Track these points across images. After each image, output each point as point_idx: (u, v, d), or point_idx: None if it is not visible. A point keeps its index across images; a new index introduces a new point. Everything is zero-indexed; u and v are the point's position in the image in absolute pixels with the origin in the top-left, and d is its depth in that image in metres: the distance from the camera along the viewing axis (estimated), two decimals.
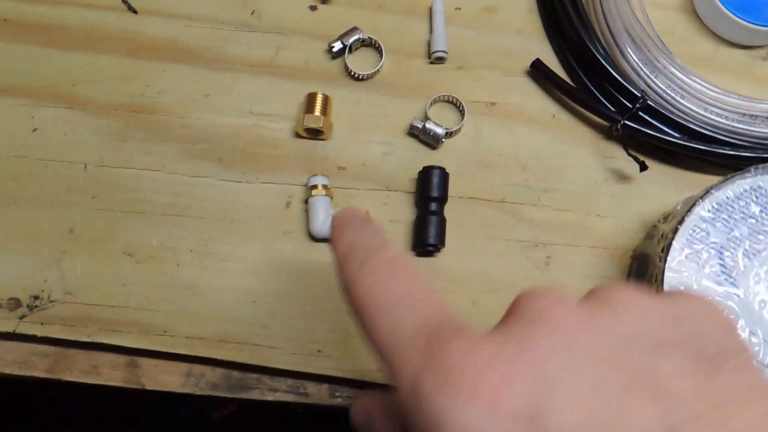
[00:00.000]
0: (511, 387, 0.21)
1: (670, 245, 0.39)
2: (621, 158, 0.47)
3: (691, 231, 0.39)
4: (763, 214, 0.39)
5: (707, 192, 0.39)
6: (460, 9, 0.49)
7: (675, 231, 0.39)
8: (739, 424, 0.22)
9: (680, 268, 0.39)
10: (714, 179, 0.42)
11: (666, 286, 0.38)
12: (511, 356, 0.22)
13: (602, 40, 0.47)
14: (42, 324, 0.43)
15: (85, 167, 0.46)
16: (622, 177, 0.47)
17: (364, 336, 0.26)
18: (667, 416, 0.22)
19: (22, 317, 0.43)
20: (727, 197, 0.39)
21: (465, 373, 0.22)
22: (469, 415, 0.21)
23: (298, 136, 0.46)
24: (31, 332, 0.43)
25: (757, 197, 0.39)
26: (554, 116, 0.47)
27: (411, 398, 0.23)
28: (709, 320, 0.25)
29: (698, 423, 0.22)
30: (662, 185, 0.47)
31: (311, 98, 0.46)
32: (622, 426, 0.21)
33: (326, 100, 0.46)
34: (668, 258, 0.39)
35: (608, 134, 0.47)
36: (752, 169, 0.39)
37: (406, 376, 0.23)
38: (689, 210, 0.39)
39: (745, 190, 0.39)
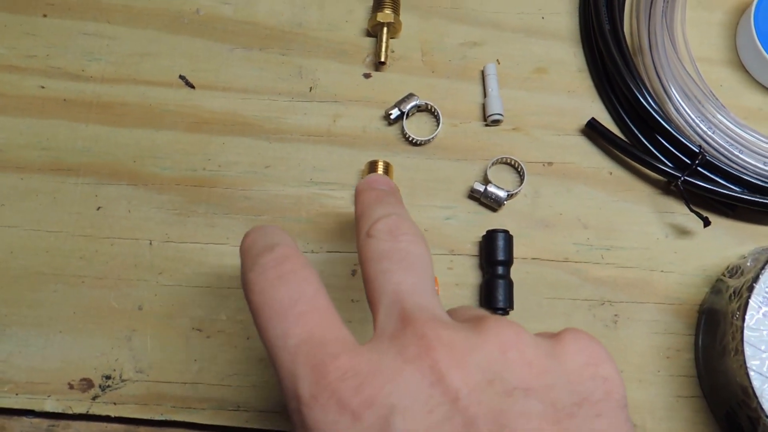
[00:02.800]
0: (370, 407, 0.25)
1: (747, 304, 0.39)
2: (680, 213, 0.47)
3: (767, 288, 0.39)
4: None
5: None
6: (511, 72, 0.50)
7: (750, 289, 0.39)
8: None
9: (759, 326, 0.39)
10: None
11: (746, 345, 0.38)
12: (376, 378, 0.26)
13: (655, 96, 0.47)
14: (115, 404, 0.43)
15: (151, 243, 0.46)
16: (683, 231, 0.47)
17: (259, 335, 0.29)
18: None
19: (94, 398, 0.43)
20: None
21: (338, 387, 0.25)
22: (337, 423, 0.25)
23: None
24: (104, 413, 0.43)
25: None
26: (611, 173, 0.48)
27: (292, 401, 0.27)
28: (583, 366, 0.27)
29: None
30: (723, 239, 0.47)
31: (372, 166, 0.46)
32: None
33: (387, 167, 0.46)
34: (746, 316, 0.39)
35: (665, 189, 0.48)
36: None
37: (289, 383, 0.27)
38: (763, 267, 0.39)
39: None
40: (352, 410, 0.25)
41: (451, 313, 0.31)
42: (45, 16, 0.50)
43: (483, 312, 0.30)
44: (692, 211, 0.45)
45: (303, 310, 0.28)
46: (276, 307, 0.28)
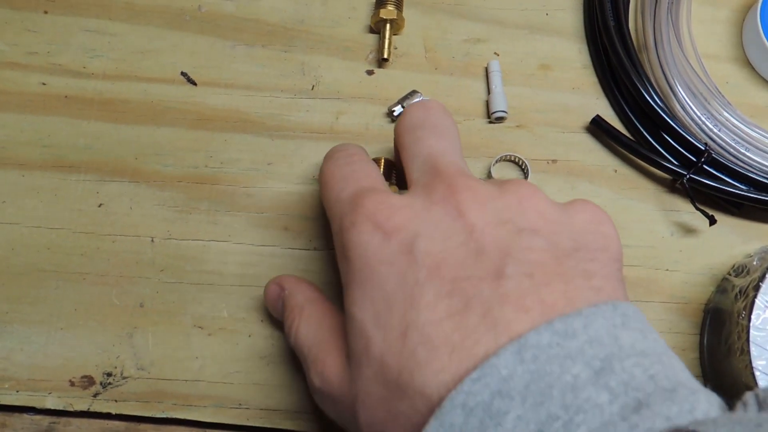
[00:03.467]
0: (401, 228, 0.30)
1: (753, 303, 0.39)
2: (685, 211, 0.47)
3: None
4: None
5: None
6: (515, 69, 0.49)
7: (757, 288, 0.39)
8: (563, 290, 0.28)
9: (765, 326, 0.38)
10: None
11: (752, 345, 0.38)
12: (406, 211, 0.31)
13: (660, 93, 0.47)
14: (116, 401, 0.43)
15: (152, 240, 0.46)
16: (688, 230, 0.47)
17: (324, 206, 0.36)
18: (506, 267, 0.28)
19: (95, 395, 0.43)
20: None
21: (373, 214, 0.31)
22: (371, 242, 0.30)
23: None
24: (105, 410, 0.43)
25: None
26: (616, 171, 0.48)
27: (338, 234, 0.33)
28: (587, 222, 0.31)
29: (532, 279, 0.28)
30: (729, 237, 0.47)
31: (375, 163, 0.46)
32: (469, 268, 0.28)
33: (390, 165, 0.46)
34: (752, 316, 0.38)
35: (671, 187, 0.47)
36: None
37: (337, 221, 0.33)
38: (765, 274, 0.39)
39: None
40: (383, 231, 0.30)
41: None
42: (46, 12, 0.50)
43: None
44: (698, 209, 0.45)
45: (357, 176, 0.35)
46: (338, 176, 0.35)
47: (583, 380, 0.25)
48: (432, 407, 0.27)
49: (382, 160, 0.45)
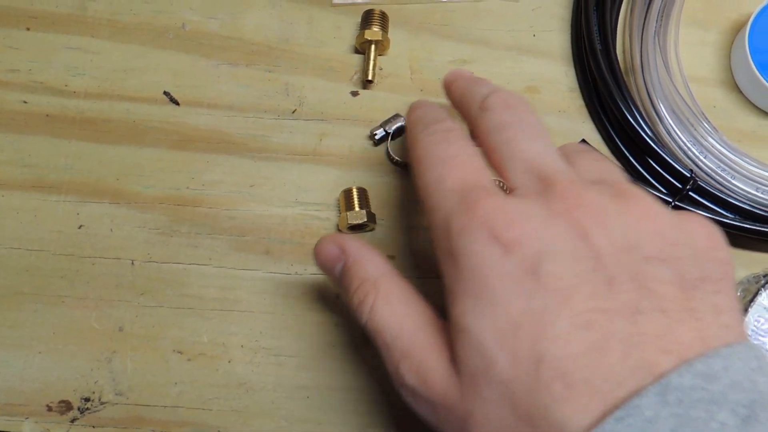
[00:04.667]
0: (523, 243, 0.28)
1: None
2: None
3: (755, 322, 0.38)
4: None
5: (766, 281, 0.39)
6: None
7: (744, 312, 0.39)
8: (697, 327, 0.27)
9: None
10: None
11: None
12: (526, 221, 0.28)
13: (647, 118, 0.47)
14: (93, 427, 0.43)
15: (133, 263, 0.45)
16: None
17: (416, 185, 0.33)
18: (640, 301, 0.27)
19: (73, 420, 0.43)
20: None
21: (489, 221, 0.28)
22: (487, 254, 0.28)
23: (341, 232, 0.46)
24: None
25: None
26: None
27: (442, 234, 0.30)
28: (707, 248, 0.30)
29: (666, 315, 0.27)
30: None
31: (347, 194, 0.45)
32: (602, 300, 0.27)
33: (363, 192, 0.46)
34: None
35: None
36: None
37: (440, 217, 0.30)
38: (752, 299, 0.39)
39: None
40: (503, 243, 0.28)
41: (573, 158, 0.33)
42: (28, 29, 0.49)
43: (612, 169, 0.33)
44: None
45: (460, 162, 0.32)
46: (436, 158, 0.32)
47: (731, 428, 0.24)
48: None
49: (354, 189, 0.45)
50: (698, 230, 0.30)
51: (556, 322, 0.27)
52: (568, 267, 0.27)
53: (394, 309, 0.33)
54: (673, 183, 0.45)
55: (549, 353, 0.26)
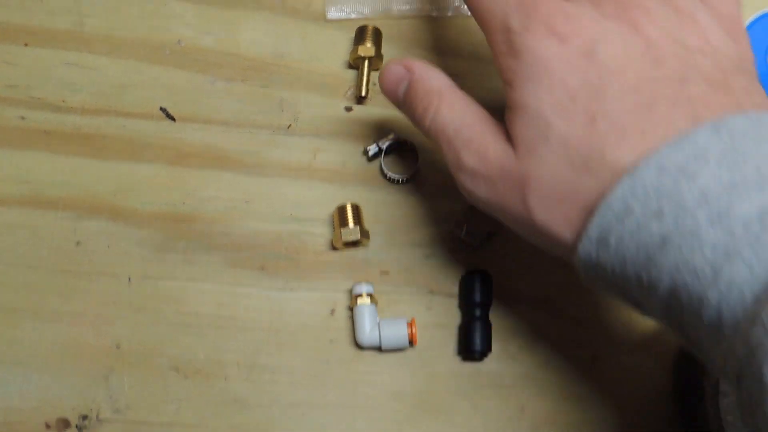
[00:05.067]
0: (579, 34, 0.32)
1: None
2: None
3: None
4: None
5: None
6: (494, 107, 0.49)
7: None
8: (736, 102, 0.31)
9: None
10: None
11: None
12: (581, 19, 0.32)
13: None
14: None
15: (130, 280, 0.46)
16: None
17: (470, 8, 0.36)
18: (686, 72, 0.31)
19: None
20: None
21: (547, 20, 0.32)
22: (546, 44, 0.32)
23: (335, 248, 0.46)
24: None
25: None
26: None
27: (501, 35, 0.34)
28: (745, 50, 0.34)
29: (709, 85, 0.31)
30: None
31: (341, 211, 0.46)
32: (652, 71, 0.31)
33: (356, 209, 0.46)
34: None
35: None
36: None
37: (498, 21, 0.34)
38: None
39: None
40: (559, 35, 0.32)
41: None
42: (26, 45, 0.50)
43: None
44: None
45: None
46: None
47: None
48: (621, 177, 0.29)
49: (348, 206, 0.45)
50: (739, 32, 0.34)
51: (608, 89, 0.30)
52: (621, 49, 0.31)
53: (456, 110, 0.37)
54: None
55: (602, 111, 0.30)
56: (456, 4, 0.50)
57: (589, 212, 0.30)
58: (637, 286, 0.30)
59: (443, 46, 0.50)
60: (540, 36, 0.32)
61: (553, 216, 0.32)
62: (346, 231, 0.45)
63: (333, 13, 0.50)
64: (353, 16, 0.50)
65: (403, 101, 0.39)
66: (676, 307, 0.28)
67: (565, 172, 0.31)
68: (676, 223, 0.28)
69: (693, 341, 0.29)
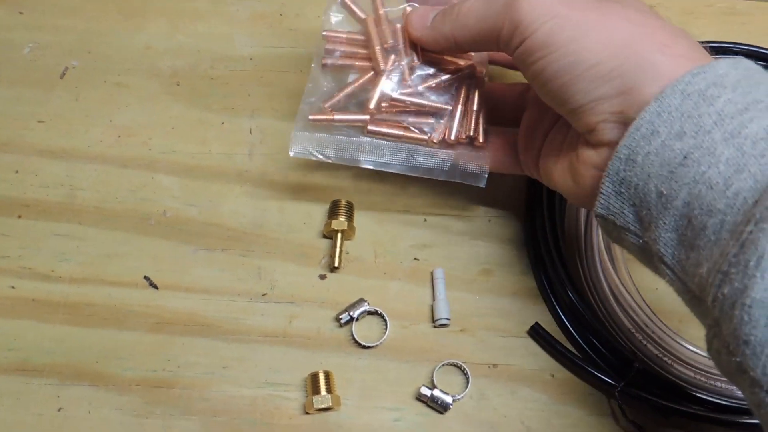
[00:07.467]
0: None
1: None
2: (620, 417, 0.49)
3: None
4: None
5: None
6: (459, 273, 0.52)
7: None
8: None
9: None
10: None
11: None
12: None
13: (593, 303, 0.50)
14: None
15: None
16: None
17: None
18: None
19: None
20: None
21: None
22: None
23: (308, 413, 0.48)
24: None
25: None
26: (553, 376, 0.50)
27: None
28: None
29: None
30: None
31: (314, 378, 0.48)
32: None
33: (328, 376, 0.48)
34: None
35: (608, 391, 0.50)
36: None
37: None
38: None
39: None
40: None
41: None
42: (20, 217, 0.53)
43: None
44: (628, 420, 0.47)
45: None
46: None
47: None
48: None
49: (321, 374, 0.48)
50: None
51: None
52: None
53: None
54: (620, 365, 0.48)
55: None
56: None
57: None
58: (656, 200, 0.34)
59: (411, 218, 0.54)
60: None
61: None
62: (318, 399, 0.47)
63: (295, 150, 0.48)
64: (319, 158, 0.49)
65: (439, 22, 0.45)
66: (688, 218, 0.32)
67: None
68: (695, 142, 0.32)
69: (692, 264, 0.33)
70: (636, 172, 0.34)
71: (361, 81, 0.48)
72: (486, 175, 0.48)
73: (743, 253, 0.29)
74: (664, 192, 0.33)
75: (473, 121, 0.48)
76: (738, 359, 0.29)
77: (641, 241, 0.36)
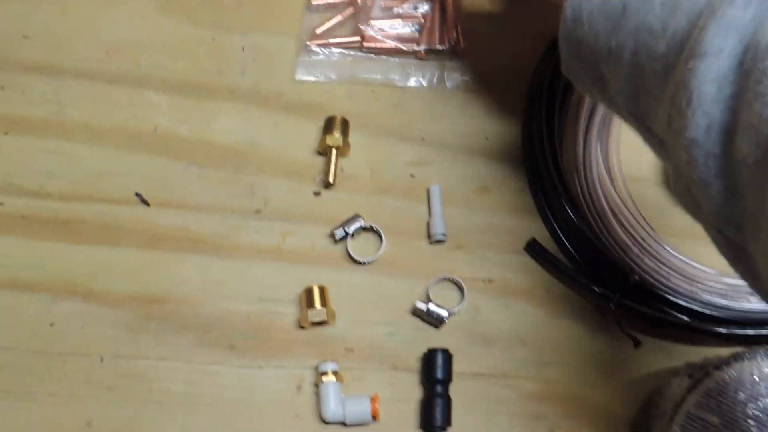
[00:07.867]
0: None
1: (670, 429, 0.41)
2: (615, 329, 0.49)
3: (686, 418, 0.41)
4: (750, 403, 0.41)
5: (696, 382, 0.42)
6: (455, 190, 0.52)
7: (674, 414, 0.41)
8: None
9: None
10: (705, 350, 0.45)
11: None
12: None
13: (590, 219, 0.50)
14: None
15: (102, 360, 0.47)
16: (617, 349, 0.49)
17: None
18: None
19: None
20: (718, 385, 0.41)
21: None
22: None
23: (303, 328, 0.48)
24: None
25: (744, 386, 0.41)
26: (548, 291, 0.50)
27: None
28: None
29: None
30: (656, 357, 0.49)
31: (309, 293, 0.48)
32: None
33: (323, 290, 0.48)
34: None
35: (602, 306, 0.50)
36: (743, 357, 0.41)
37: None
38: (682, 401, 0.41)
39: (732, 378, 0.41)
40: None
41: None
42: (6, 133, 0.52)
43: None
44: (623, 332, 0.47)
45: None
46: None
47: None
48: None
49: (315, 288, 0.47)
50: None
51: None
52: None
53: None
54: (616, 279, 0.48)
55: None
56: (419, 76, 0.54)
57: None
58: (606, 56, 0.35)
59: (407, 134, 0.53)
60: None
61: None
62: (313, 312, 0.47)
63: (300, 75, 0.53)
64: (322, 79, 0.54)
65: None
66: (638, 66, 0.33)
67: None
68: None
69: (645, 111, 0.34)
70: (585, 31, 0.36)
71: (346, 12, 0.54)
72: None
73: (677, 95, 0.30)
74: (613, 46, 0.34)
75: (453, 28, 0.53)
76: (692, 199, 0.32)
77: (607, 95, 0.37)
